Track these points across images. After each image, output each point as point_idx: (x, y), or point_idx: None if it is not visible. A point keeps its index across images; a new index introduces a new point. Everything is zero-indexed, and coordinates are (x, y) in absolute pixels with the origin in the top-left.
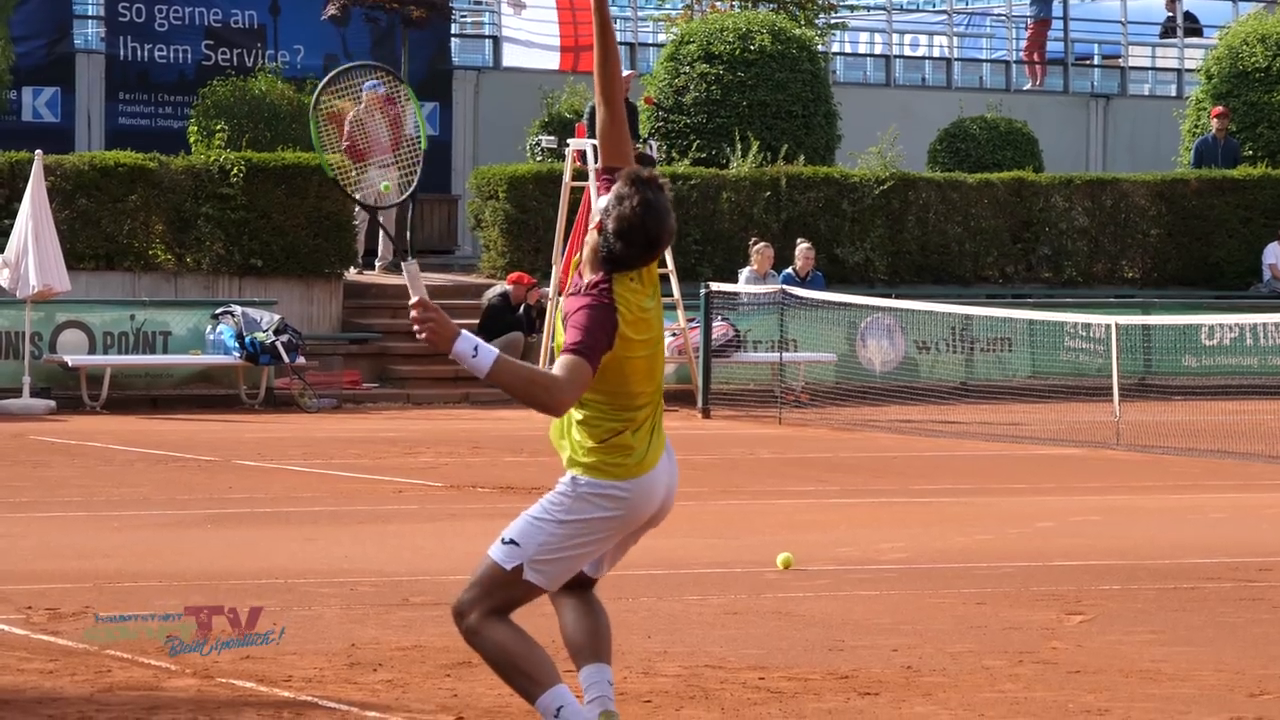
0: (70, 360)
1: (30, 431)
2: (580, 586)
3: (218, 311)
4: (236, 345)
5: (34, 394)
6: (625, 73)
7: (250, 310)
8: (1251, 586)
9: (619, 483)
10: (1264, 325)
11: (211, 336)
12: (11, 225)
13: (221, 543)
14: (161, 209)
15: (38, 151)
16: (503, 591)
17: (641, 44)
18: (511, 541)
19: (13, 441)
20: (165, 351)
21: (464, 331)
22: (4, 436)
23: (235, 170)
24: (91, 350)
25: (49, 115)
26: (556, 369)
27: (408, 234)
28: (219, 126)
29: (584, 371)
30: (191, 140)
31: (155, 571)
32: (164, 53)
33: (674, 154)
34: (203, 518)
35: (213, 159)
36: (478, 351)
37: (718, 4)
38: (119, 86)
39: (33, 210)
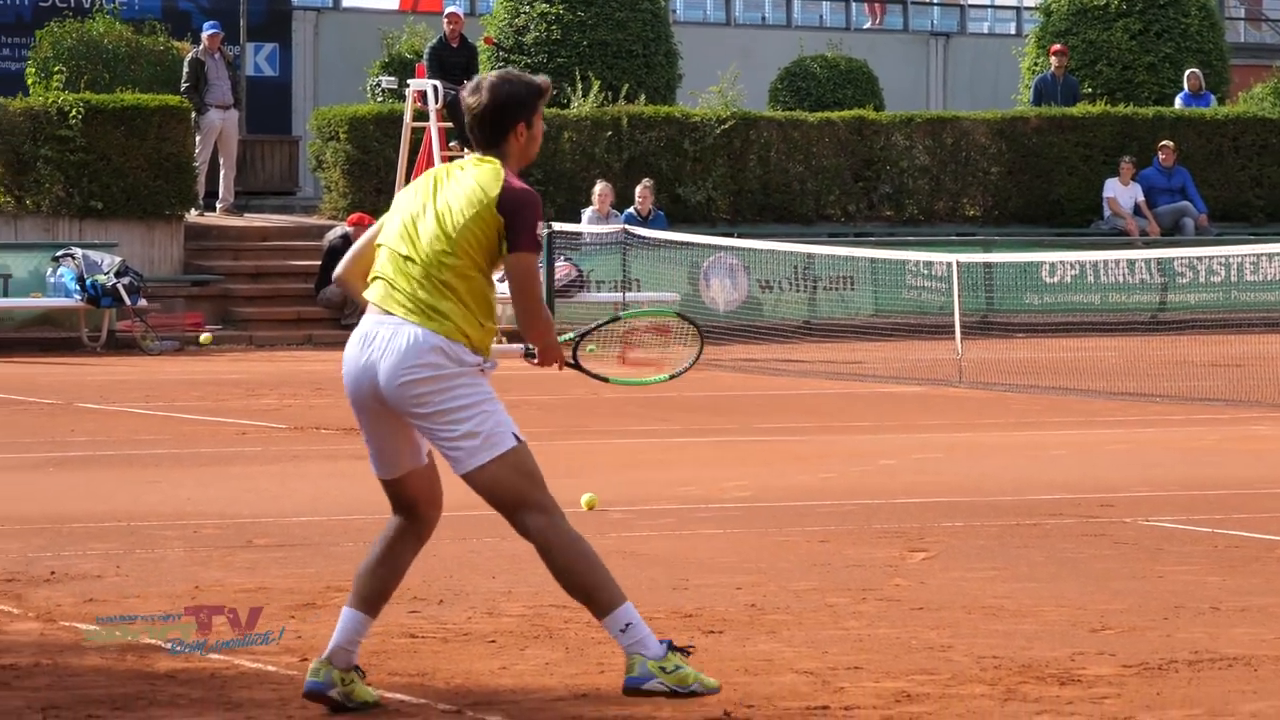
0: None
1: None
2: (410, 516)
3: (58, 254)
4: (77, 288)
5: None
6: (452, 8)
7: (91, 253)
8: (1093, 522)
9: None
10: (1104, 262)
11: (52, 279)
12: None
13: (63, 486)
14: (0, 151)
15: None
16: None
17: None
18: None
19: None
20: (5, 294)
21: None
22: None
23: (74, 112)
24: None
25: None
26: None
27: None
28: (57, 68)
29: None
30: (30, 82)
31: None
32: None
33: None
34: (44, 460)
35: (51, 101)
36: None
37: None
38: None
39: None
